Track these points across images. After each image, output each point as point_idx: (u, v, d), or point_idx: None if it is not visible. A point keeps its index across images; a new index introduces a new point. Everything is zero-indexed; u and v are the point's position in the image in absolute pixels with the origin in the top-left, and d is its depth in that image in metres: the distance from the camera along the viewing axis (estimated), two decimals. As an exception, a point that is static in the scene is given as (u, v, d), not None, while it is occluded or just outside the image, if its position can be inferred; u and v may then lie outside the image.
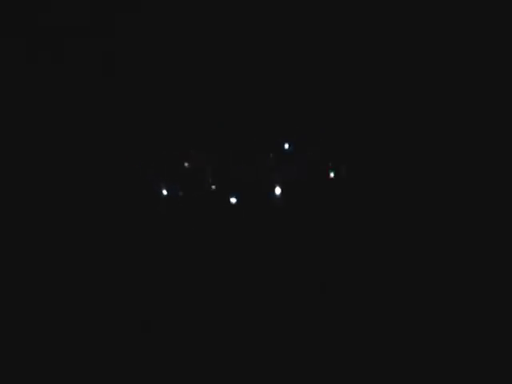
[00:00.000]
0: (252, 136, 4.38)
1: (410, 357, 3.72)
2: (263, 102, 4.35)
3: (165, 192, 4.25)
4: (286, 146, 4.32)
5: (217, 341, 3.88)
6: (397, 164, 4.20)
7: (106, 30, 4.28)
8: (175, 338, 3.89)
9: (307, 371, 3.74)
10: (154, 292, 4.07)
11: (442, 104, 4.17)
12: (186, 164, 4.34)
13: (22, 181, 4.19)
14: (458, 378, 3.60)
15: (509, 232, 3.95)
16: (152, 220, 4.24)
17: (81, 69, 4.29)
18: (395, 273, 4.02)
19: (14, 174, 4.20)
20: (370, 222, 4.16)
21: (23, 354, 3.79)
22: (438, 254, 4.01)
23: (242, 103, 4.36)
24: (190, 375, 3.75)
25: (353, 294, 4.00)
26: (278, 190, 4.13)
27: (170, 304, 4.03)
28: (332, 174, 4.22)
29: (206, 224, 4.28)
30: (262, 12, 4.30)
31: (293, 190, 4.30)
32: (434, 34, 4.15)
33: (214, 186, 4.26)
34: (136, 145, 4.34)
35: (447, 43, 4.15)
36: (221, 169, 4.36)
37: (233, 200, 4.22)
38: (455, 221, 4.05)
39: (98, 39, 4.26)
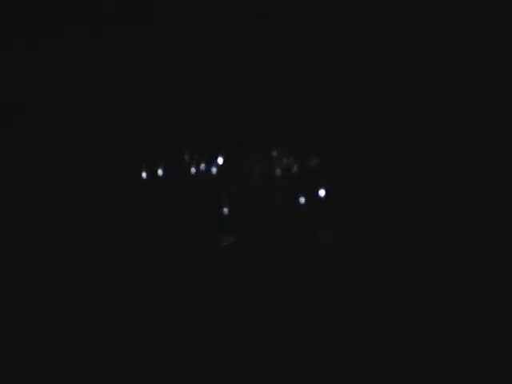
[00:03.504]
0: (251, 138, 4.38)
1: (410, 357, 3.72)
2: (262, 106, 4.35)
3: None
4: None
5: (217, 341, 3.88)
6: (396, 169, 4.20)
7: (106, 30, 4.28)
8: (175, 339, 3.89)
9: (307, 371, 3.74)
10: (155, 291, 4.07)
11: (441, 111, 4.17)
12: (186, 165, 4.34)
13: (23, 181, 4.20)
14: (458, 378, 3.60)
15: (509, 232, 3.95)
16: (150, 217, 4.23)
17: (80, 68, 4.29)
18: (395, 276, 4.02)
19: (14, 174, 4.20)
20: (368, 226, 4.16)
21: (23, 354, 3.78)
22: (437, 257, 4.01)
23: (241, 106, 4.36)
24: (190, 375, 3.74)
25: (352, 297, 4.00)
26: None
27: (171, 303, 4.03)
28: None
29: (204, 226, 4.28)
30: (261, 12, 4.30)
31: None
32: (434, 35, 4.16)
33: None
34: (136, 145, 4.34)
35: (447, 44, 4.16)
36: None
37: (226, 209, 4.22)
38: (455, 225, 4.04)
39: (99, 39, 4.27)
